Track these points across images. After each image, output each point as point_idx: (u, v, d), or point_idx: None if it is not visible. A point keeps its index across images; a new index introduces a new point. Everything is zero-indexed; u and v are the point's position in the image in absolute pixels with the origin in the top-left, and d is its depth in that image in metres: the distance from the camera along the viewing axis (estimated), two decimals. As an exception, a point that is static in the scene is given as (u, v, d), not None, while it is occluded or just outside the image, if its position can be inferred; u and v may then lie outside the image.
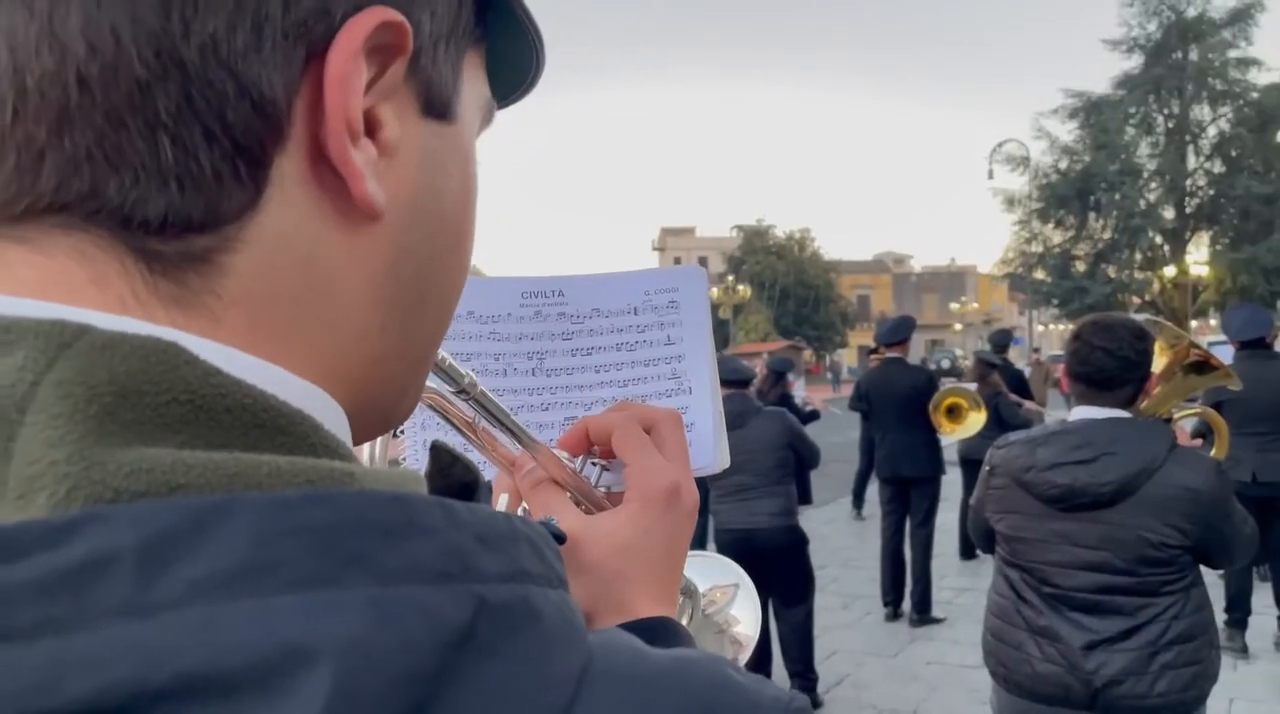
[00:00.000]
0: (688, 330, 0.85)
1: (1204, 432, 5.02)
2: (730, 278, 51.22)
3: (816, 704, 4.68)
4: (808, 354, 55.05)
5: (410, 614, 0.27)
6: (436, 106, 0.38)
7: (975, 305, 72.86)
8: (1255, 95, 38.92)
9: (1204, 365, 2.58)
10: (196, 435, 0.29)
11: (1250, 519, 2.36)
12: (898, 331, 6.44)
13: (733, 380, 4.99)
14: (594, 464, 0.67)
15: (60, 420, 0.27)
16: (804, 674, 4.70)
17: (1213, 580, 5.34)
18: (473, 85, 0.41)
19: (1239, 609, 5.35)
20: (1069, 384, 2.51)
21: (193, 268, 0.32)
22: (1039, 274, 42.52)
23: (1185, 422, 3.17)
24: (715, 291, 50.48)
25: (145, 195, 0.31)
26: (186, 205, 0.32)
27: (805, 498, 7.66)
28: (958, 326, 71.93)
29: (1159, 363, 2.59)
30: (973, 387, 6.58)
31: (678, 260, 73.17)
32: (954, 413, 6.25)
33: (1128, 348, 2.37)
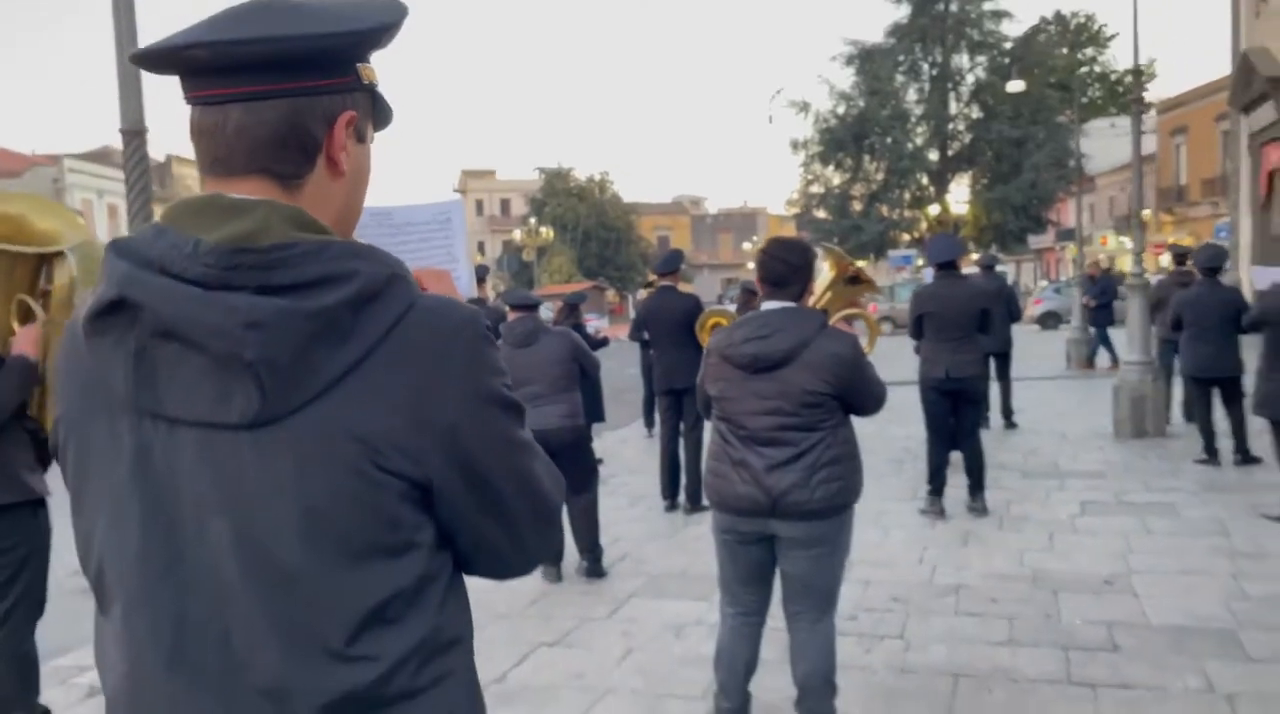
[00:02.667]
0: (455, 233, 1.61)
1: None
2: (533, 220, 51.48)
3: (602, 574, 5.58)
4: (611, 294, 56.37)
5: (392, 273, 1.02)
6: (361, 139, 1.10)
7: (767, 244, 76.26)
8: (1007, 45, 42.37)
9: (857, 279, 3.55)
10: (314, 232, 1.01)
11: (881, 382, 3.34)
12: (670, 263, 7.37)
13: (524, 305, 5.74)
14: None
15: (282, 223, 0.99)
16: (591, 549, 5.58)
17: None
18: (369, 127, 1.13)
19: (936, 480, 6.65)
20: (762, 286, 3.39)
21: (295, 188, 1.04)
22: (821, 214, 45.24)
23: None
24: (519, 234, 50.57)
25: (284, 170, 1.03)
26: (293, 167, 1.04)
27: (598, 416, 8.53)
28: (749, 265, 75.17)
29: (827, 272, 3.53)
30: (733, 308, 7.60)
31: (479, 202, 72.49)
32: (710, 339, 7.25)
33: (795, 258, 3.29)
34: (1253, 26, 18.87)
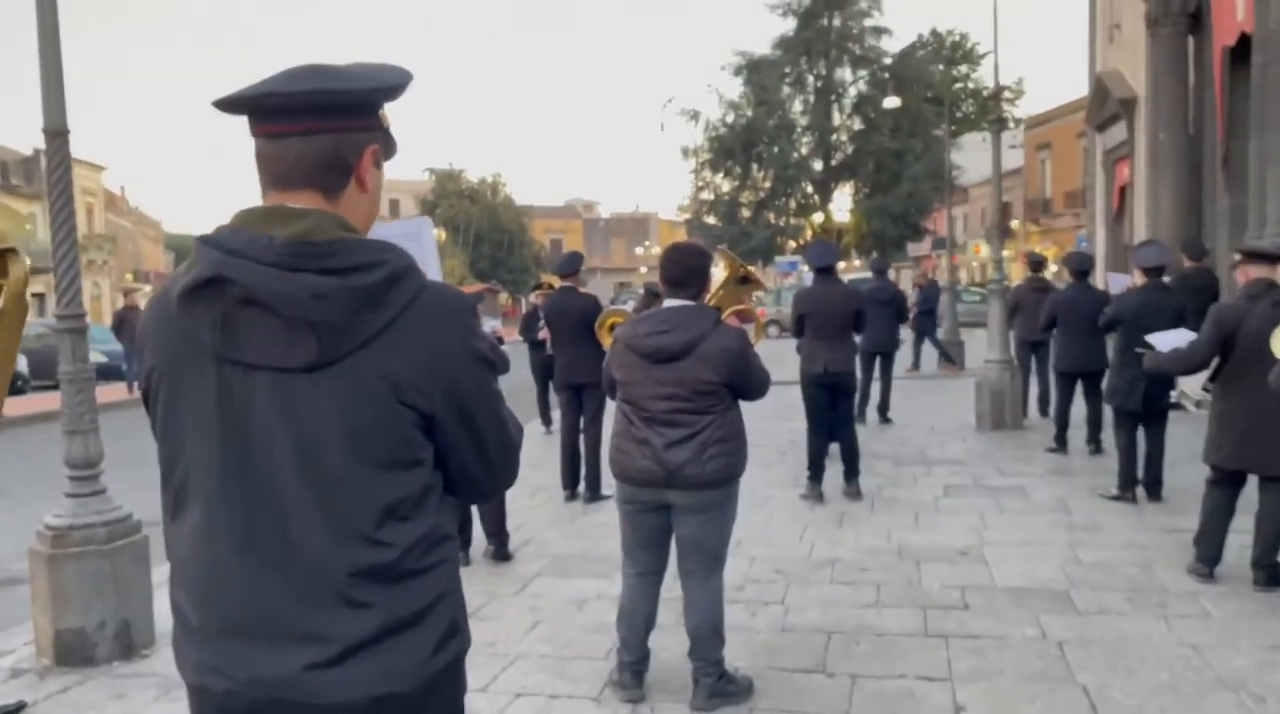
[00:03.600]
0: (426, 246, 1.98)
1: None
2: (424, 221, 51.04)
3: (508, 557, 5.92)
4: (504, 297, 56.26)
5: (410, 262, 1.40)
6: (378, 165, 1.47)
7: (658, 249, 77.11)
8: (887, 60, 44.15)
9: (747, 279, 4.03)
10: (352, 232, 1.38)
11: (765, 371, 3.80)
12: (570, 264, 7.77)
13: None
14: None
15: (332, 224, 1.35)
16: (497, 534, 5.92)
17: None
18: (383, 157, 1.50)
19: (815, 467, 7.21)
20: (664, 285, 3.80)
21: (335, 199, 1.40)
22: (711, 219, 46.24)
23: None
24: (432, 221, 50.09)
25: (326, 184, 1.39)
26: (335, 185, 1.40)
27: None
28: (643, 270, 75.95)
29: (721, 274, 3.99)
30: (629, 308, 8.03)
31: (368, 203, 71.16)
32: (616, 330, 7.67)
33: (694, 262, 3.73)
34: (1107, 51, 20.44)
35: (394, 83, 1.45)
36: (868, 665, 4.08)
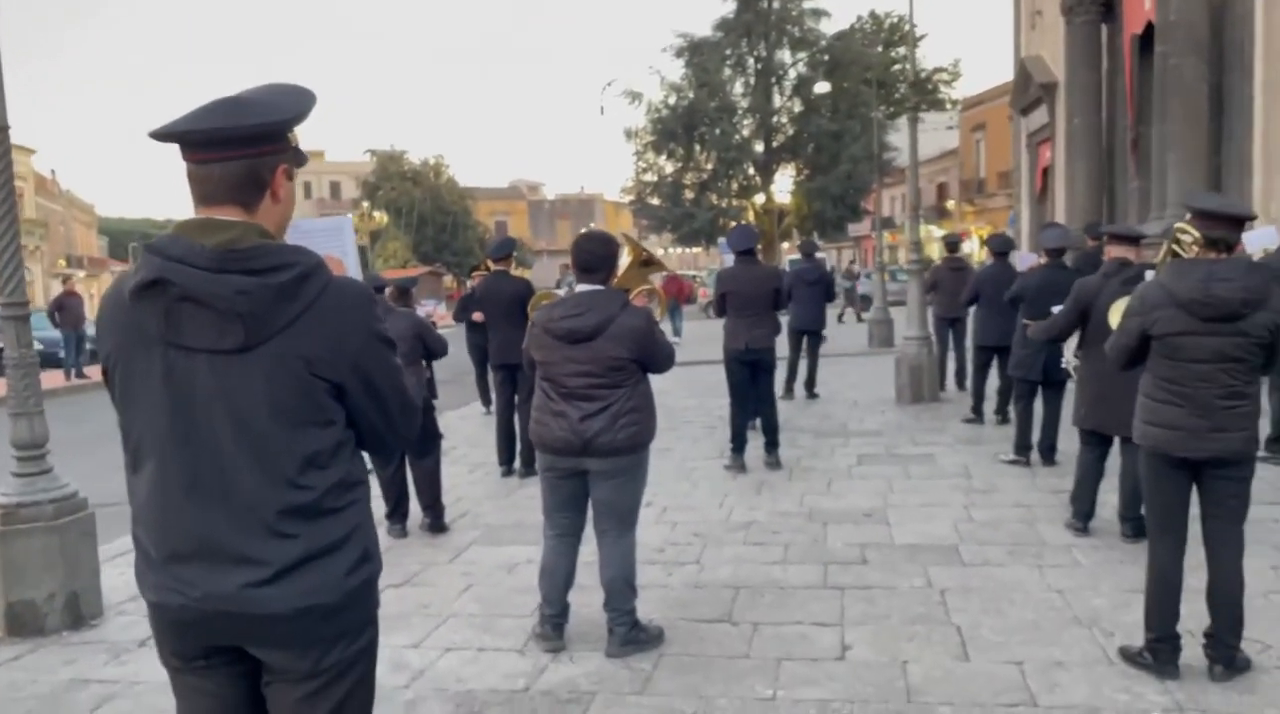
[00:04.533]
0: (346, 239, 2.34)
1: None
2: (365, 204, 50.57)
3: (444, 529, 6.24)
4: (448, 279, 56.02)
5: (318, 262, 1.72)
6: (289, 178, 1.78)
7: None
8: (825, 43, 44.63)
9: (650, 262, 4.39)
10: (268, 239, 1.70)
11: (669, 346, 4.16)
12: (503, 248, 8.06)
13: (373, 287, 6.31)
14: None
15: (253, 233, 1.70)
16: (432, 506, 6.23)
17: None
18: (294, 170, 1.82)
19: (738, 440, 7.63)
20: (575, 271, 4.14)
21: (254, 210, 1.71)
22: (655, 201, 46.52)
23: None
24: (351, 218, 49.73)
25: (245, 200, 1.70)
26: (253, 199, 1.71)
27: (432, 392, 9.09)
28: (589, 250, 75.94)
29: (627, 259, 4.33)
30: (563, 292, 8.33)
31: (307, 185, 70.29)
32: (533, 315, 7.97)
33: (602, 249, 4.06)
34: (1030, 37, 21.12)
35: (299, 112, 1.77)
36: (769, 614, 4.50)
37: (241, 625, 1.74)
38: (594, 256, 4.03)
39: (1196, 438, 3.51)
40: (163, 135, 1.70)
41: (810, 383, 11.46)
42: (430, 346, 6.23)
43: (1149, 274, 4.29)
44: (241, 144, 1.71)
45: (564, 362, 3.99)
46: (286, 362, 1.70)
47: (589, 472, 4.03)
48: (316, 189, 69.79)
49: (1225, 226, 3.48)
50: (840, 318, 23.74)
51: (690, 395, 12.17)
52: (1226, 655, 3.58)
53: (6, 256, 4.77)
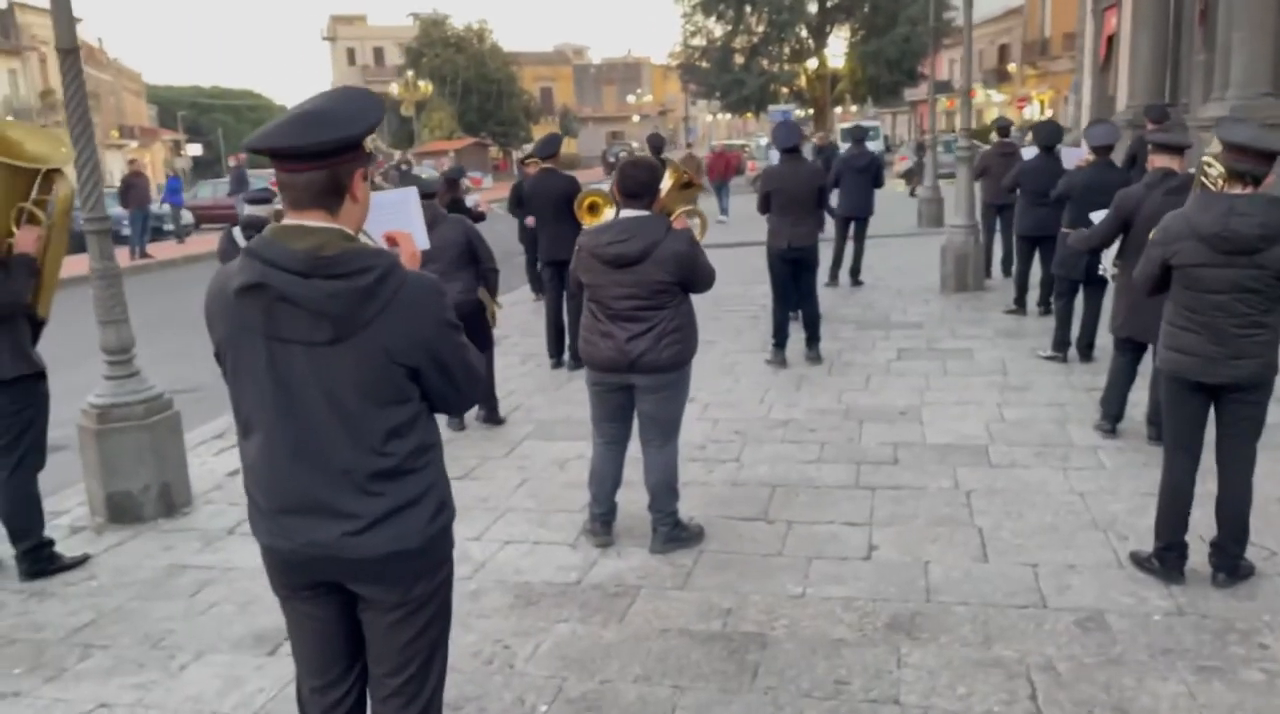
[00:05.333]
0: (412, 207, 2.56)
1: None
2: (410, 73, 49.92)
3: (500, 421, 6.63)
4: (494, 150, 55.65)
5: (393, 262, 1.97)
6: (366, 176, 2.01)
7: (650, 97, 75.66)
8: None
9: (690, 184, 4.53)
10: (350, 242, 1.95)
11: (711, 268, 4.35)
12: (549, 147, 8.18)
13: (423, 194, 6.50)
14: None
15: (336, 238, 1.94)
16: (487, 400, 6.61)
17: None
18: (368, 172, 2.04)
19: (780, 335, 7.84)
20: (620, 197, 4.31)
21: (336, 211, 1.96)
22: (704, 65, 45.28)
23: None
24: (396, 88, 49.04)
25: (328, 204, 1.94)
26: (335, 203, 1.95)
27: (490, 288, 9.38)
28: (636, 118, 74.62)
29: (669, 182, 4.48)
30: (606, 187, 8.46)
31: (351, 51, 69.33)
32: (594, 209, 8.12)
33: (645, 176, 4.22)
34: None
35: (373, 123, 1.98)
36: (802, 513, 4.83)
37: (341, 567, 2.07)
38: (638, 183, 4.19)
39: (1214, 364, 3.67)
40: (256, 148, 1.92)
41: (855, 270, 11.53)
42: (478, 253, 6.41)
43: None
44: (325, 157, 1.93)
45: (611, 285, 4.21)
46: (370, 352, 1.97)
47: (635, 386, 4.31)
48: (361, 55, 68.86)
49: (1253, 160, 3.54)
50: (913, 193, 21.97)
51: (736, 281, 12.28)
52: (1230, 564, 3.83)
53: (86, 173, 5.03)
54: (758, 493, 5.13)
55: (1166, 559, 3.91)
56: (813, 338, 7.88)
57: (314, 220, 1.97)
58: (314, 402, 2.00)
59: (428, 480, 2.12)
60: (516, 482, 5.49)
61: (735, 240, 14.86)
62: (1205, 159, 3.84)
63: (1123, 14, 17.02)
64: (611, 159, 36.21)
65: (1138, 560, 4.03)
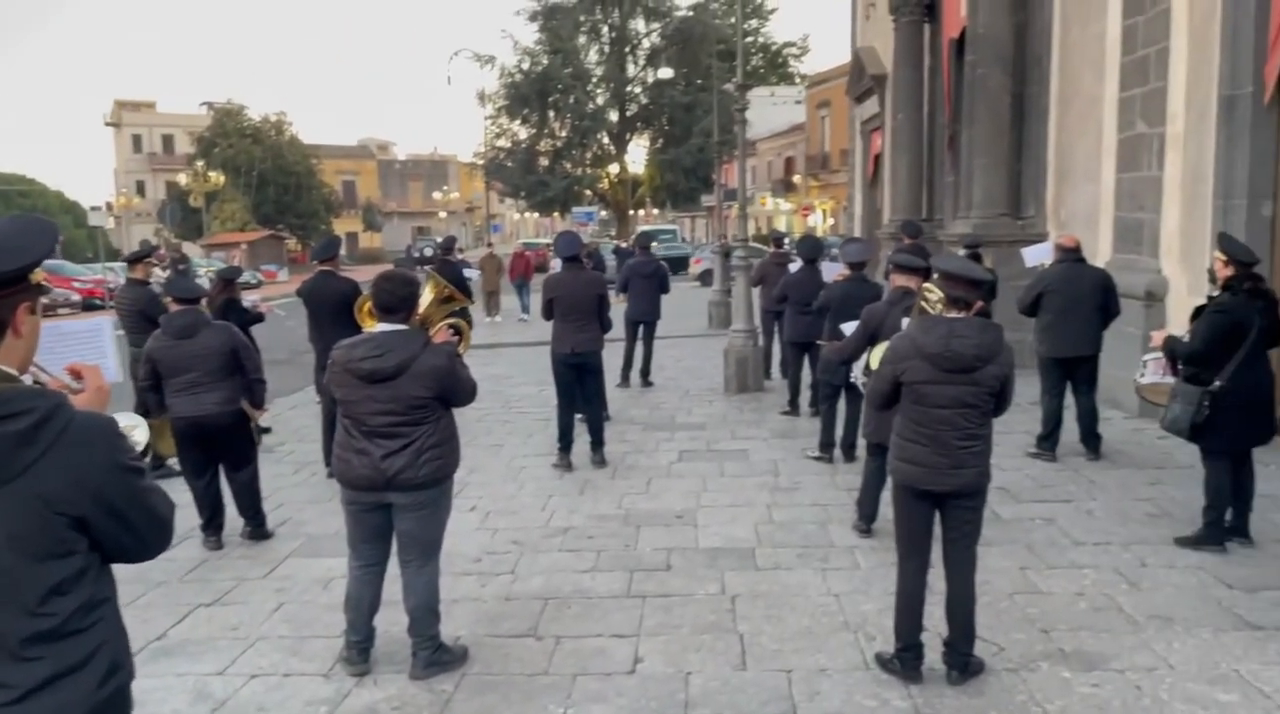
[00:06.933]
0: (105, 339, 2.41)
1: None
2: (200, 164, 48.00)
3: (266, 535, 6.25)
4: (291, 242, 54.01)
5: (58, 403, 1.82)
6: (33, 310, 1.87)
7: (457, 194, 75.98)
8: (679, 14, 44.90)
9: (452, 297, 4.53)
10: (10, 381, 1.80)
11: (472, 381, 4.32)
12: (328, 250, 8.00)
13: (185, 298, 6.16)
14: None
15: None
16: (253, 517, 6.22)
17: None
18: (36, 304, 1.91)
19: (565, 439, 7.87)
20: (376, 311, 4.24)
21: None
22: (510, 166, 46.05)
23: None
24: (184, 178, 47.00)
25: None
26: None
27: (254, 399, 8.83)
28: (442, 214, 74.61)
29: (428, 295, 4.46)
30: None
31: (137, 138, 66.08)
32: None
33: (402, 291, 4.18)
34: (865, 27, 21.97)
35: (41, 254, 1.86)
36: (573, 627, 4.77)
37: None
38: (394, 297, 4.14)
39: (938, 473, 3.96)
40: None
41: (645, 372, 11.81)
42: (243, 364, 6.11)
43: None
44: None
45: (366, 400, 4.10)
46: (26, 502, 1.79)
47: (393, 505, 4.18)
48: (148, 143, 65.75)
49: (964, 287, 3.92)
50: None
51: (530, 381, 12.34)
52: (961, 661, 4.07)
53: None
54: (530, 607, 5.04)
55: (905, 660, 4.11)
56: (597, 442, 7.96)
57: None
58: None
59: (97, 639, 1.93)
60: (273, 606, 5.16)
61: (535, 339, 14.94)
62: (926, 286, 4.23)
63: (885, 137, 18.68)
64: (416, 254, 35.90)
65: (882, 662, 4.22)
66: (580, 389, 7.91)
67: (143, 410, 6.25)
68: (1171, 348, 5.48)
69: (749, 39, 49.74)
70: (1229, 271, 5.29)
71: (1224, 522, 5.50)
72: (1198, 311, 5.42)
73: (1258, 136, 7.63)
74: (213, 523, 6.13)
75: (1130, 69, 9.29)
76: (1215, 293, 5.42)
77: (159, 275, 13.32)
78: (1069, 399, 7.58)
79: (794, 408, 9.74)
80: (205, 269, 27.63)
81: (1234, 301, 5.21)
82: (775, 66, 54.81)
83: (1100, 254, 9.85)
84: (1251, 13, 7.56)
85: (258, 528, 6.27)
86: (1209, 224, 8.03)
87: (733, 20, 52.20)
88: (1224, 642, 4.37)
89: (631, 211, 48.72)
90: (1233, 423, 5.22)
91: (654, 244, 12.96)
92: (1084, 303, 7.32)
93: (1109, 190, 9.97)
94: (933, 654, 4.17)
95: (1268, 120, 7.60)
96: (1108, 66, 9.97)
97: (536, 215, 66.91)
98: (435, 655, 4.28)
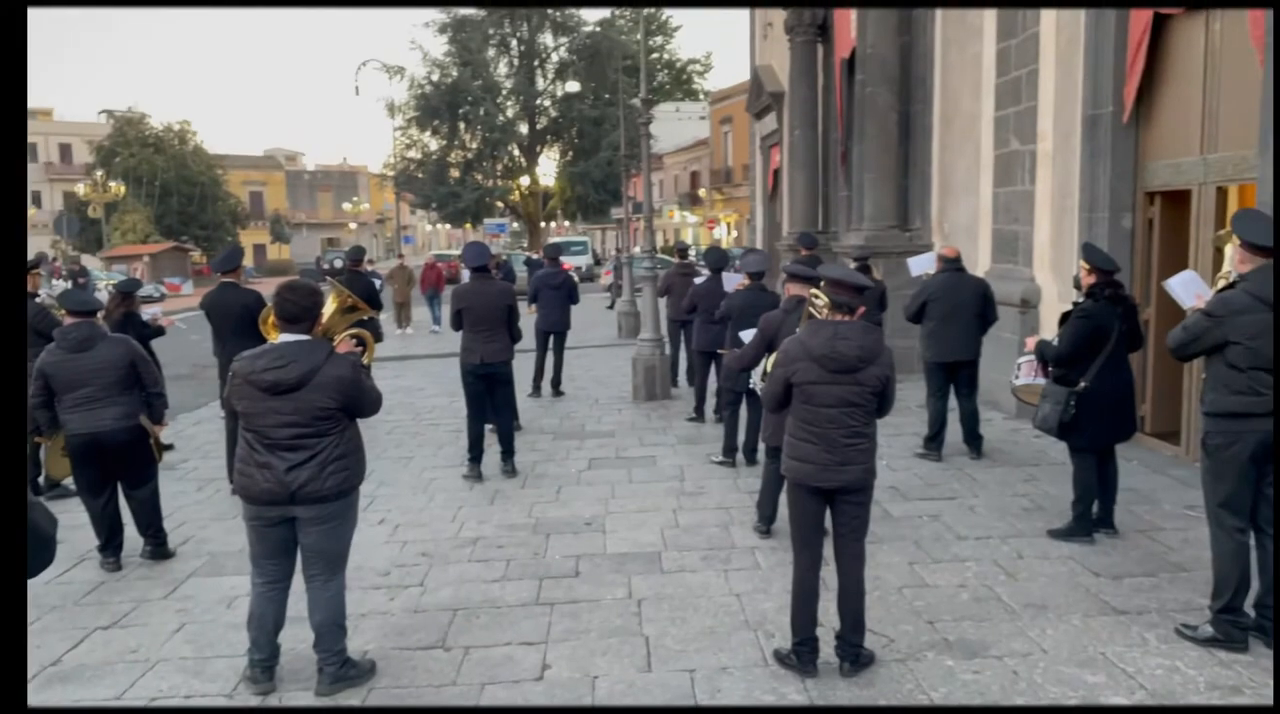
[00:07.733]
0: None
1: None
2: (100, 173, 46.25)
3: (168, 555, 6.13)
4: (196, 255, 52.37)
5: None
6: None
7: (367, 205, 74.78)
8: (587, 29, 45.20)
9: (355, 307, 4.57)
10: None
11: (376, 391, 4.37)
12: (230, 261, 7.90)
13: (81, 311, 6.00)
14: None
15: None
16: (154, 535, 6.10)
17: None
18: None
19: (475, 450, 7.91)
20: (278, 322, 4.25)
21: None
22: (420, 177, 45.67)
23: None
24: (83, 188, 45.20)
25: None
26: None
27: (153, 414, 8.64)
28: (352, 226, 73.31)
29: (331, 306, 4.49)
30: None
31: (32, 147, 63.26)
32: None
33: (306, 301, 4.20)
34: (763, 46, 22.50)
35: None
36: (481, 637, 4.83)
37: None
38: (297, 307, 4.16)
39: (827, 470, 4.16)
40: None
41: (556, 381, 11.90)
42: (143, 377, 6.01)
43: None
44: None
45: (269, 412, 4.10)
46: None
47: (297, 518, 4.18)
48: (44, 152, 63.03)
49: (847, 293, 4.14)
50: (611, 306, 23.15)
51: (442, 393, 12.33)
52: (852, 653, 4.27)
53: None
54: (438, 619, 5.08)
55: (801, 654, 4.29)
56: (507, 452, 8.01)
57: None
58: None
59: None
60: (174, 626, 5.08)
61: (446, 351, 14.89)
62: (813, 292, 4.44)
63: (784, 152, 19.14)
64: (325, 266, 35.26)
65: (780, 657, 4.39)
66: (490, 399, 7.96)
67: (33, 428, 6.07)
68: (1042, 351, 5.85)
69: (654, 55, 50.29)
70: (1092, 279, 5.67)
71: (1091, 514, 5.87)
72: (1065, 317, 5.79)
73: (1118, 153, 8.17)
74: (111, 543, 5.99)
75: (1004, 90, 9.80)
76: (1080, 299, 5.79)
77: (54, 286, 12.84)
78: (953, 401, 7.96)
79: (699, 414, 9.94)
80: (105, 282, 26.69)
81: (1096, 307, 5.58)
82: (680, 83, 55.54)
83: (980, 264, 10.35)
84: (1111, 37, 8.09)
85: (159, 547, 6.16)
86: (1076, 235, 8.54)
87: (639, 37, 52.90)
88: (1092, 626, 4.68)
89: (543, 223, 48.74)
90: (1096, 421, 5.58)
91: (562, 256, 13.06)
92: (964, 310, 7.71)
93: (987, 204, 10.49)
94: (827, 648, 4.36)
95: (1127, 138, 8.13)
96: (984, 87, 10.49)
97: (448, 227, 66.32)
98: (342, 671, 4.30)
